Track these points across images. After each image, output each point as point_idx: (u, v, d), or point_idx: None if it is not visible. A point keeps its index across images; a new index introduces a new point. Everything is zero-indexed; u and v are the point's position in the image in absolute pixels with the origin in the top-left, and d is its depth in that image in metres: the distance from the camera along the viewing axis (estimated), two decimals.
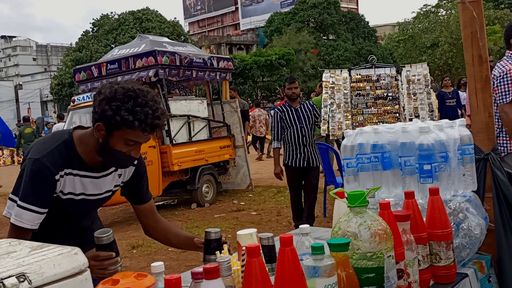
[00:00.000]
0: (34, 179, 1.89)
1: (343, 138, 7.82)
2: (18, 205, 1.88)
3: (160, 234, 2.24)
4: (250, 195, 9.38)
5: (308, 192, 6.14)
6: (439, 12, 39.27)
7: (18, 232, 1.87)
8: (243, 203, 8.70)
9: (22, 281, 0.95)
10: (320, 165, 6.26)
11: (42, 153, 1.92)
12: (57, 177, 1.93)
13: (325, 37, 50.17)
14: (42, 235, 1.92)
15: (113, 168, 2.09)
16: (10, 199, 1.93)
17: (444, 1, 37.30)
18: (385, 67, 7.01)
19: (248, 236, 1.56)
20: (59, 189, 1.95)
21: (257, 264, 1.25)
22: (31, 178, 1.89)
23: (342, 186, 6.64)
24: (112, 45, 41.42)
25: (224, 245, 1.80)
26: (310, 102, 6.36)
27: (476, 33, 2.09)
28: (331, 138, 7.72)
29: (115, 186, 2.15)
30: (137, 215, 2.27)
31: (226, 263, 1.36)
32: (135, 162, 2.15)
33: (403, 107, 6.81)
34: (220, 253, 1.68)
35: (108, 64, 8.59)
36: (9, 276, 0.95)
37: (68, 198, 1.99)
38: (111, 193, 2.16)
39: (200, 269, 1.24)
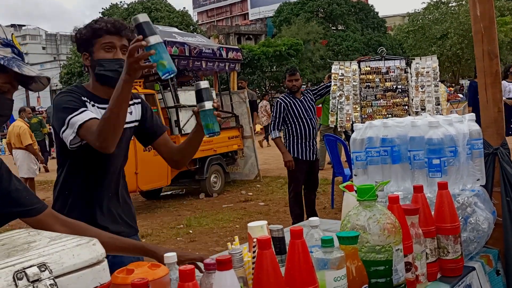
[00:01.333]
0: (69, 101, 2.09)
1: (352, 130, 7.71)
2: (72, 118, 2.04)
3: (179, 152, 2.37)
4: (258, 186, 9.43)
5: (313, 187, 6.08)
6: (450, 3, 38.93)
7: (89, 123, 2.02)
8: (251, 194, 8.75)
9: (43, 271, 0.99)
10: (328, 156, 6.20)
11: (65, 91, 2.18)
12: (84, 98, 2.15)
13: (334, 28, 49.90)
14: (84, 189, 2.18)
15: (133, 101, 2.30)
16: (62, 132, 2.07)
17: None
18: (394, 60, 6.99)
19: (258, 228, 1.58)
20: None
21: (268, 256, 1.27)
22: (67, 101, 2.09)
23: (350, 177, 6.63)
24: None
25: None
26: (306, 89, 6.24)
27: (487, 28, 2.09)
28: (339, 129, 7.71)
29: (128, 122, 2.22)
30: (160, 151, 2.40)
31: (238, 255, 1.39)
32: (139, 100, 2.36)
33: (412, 100, 6.80)
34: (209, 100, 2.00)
35: None
36: (31, 266, 0.98)
37: None
38: (128, 129, 2.26)
39: (212, 260, 1.27)
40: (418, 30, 39.79)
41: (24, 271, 0.96)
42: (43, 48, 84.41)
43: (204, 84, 2.05)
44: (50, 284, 0.98)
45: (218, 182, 9.10)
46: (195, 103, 2.08)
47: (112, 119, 1.94)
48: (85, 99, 2.16)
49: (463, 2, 35.17)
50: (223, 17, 71.04)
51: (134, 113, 2.32)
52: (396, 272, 1.52)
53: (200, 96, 2.04)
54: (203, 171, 8.68)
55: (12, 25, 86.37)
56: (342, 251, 1.40)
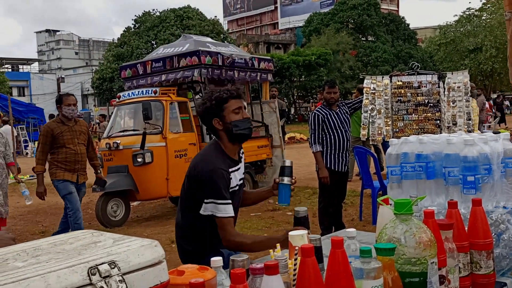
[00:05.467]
0: (222, 181, 2.49)
1: (383, 143, 7.75)
2: (219, 203, 2.47)
3: (243, 201, 2.89)
4: None
5: (341, 198, 6.14)
6: (482, 16, 38.43)
7: (227, 221, 2.48)
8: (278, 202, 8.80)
9: (113, 268, 1.09)
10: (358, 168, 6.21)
11: (214, 162, 2.54)
12: (230, 175, 2.56)
13: (364, 39, 49.77)
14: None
15: (240, 164, 2.71)
16: (205, 202, 2.50)
17: (489, 5, 36.45)
18: (426, 74, 7.00)
19: (299, 236, 1.67)
20: (230, 185, 2.56)
21: (310, 263, 1.35)
22: (220, 182, 2.48)
23: (379, 190, 6.65)
24: (152, 42, 42.17)
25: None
26: (341, 101, 6.25)
27: None
28: (371, 143, 7.74)
29: (241, 179, 2.71)
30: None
31: (284, 261, 1.48)
32: (242, 158, 2.80)
33: (444, 114, 6.80)
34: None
35: (153, 63, 8.83)
36: (102, 263, 1.09)
37: (231, 191, 2.58)
38: (242, 182, 2.73)
39: (258, 265, 1.36)
40: (449, 43, 39.38)
41: (97, 268, 1.07)
42: (76, 53, 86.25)
43: (288, 163, 2.63)
44: (119, 280, 1.08)
45: (247, 189, 9.18)
46: None
47: (248, 251, 2.48)
48: (230, 174, 2.56)
49: (496, 15, 34.67)
50: (253, 26, 71.53)
51: (241, 169, 2.74)
52: (430, 284, 1.58)
53: (283, 171, 2.60)
54: None
55: (47, 30, 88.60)
56: (379, 262, 1.47)
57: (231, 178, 2.56)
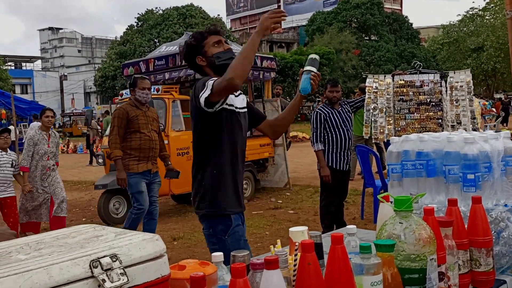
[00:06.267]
0: (207, 79, 2.50)
1: (385, 142, 7.74)
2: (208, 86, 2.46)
3: (281, 121, 3.00)
4: (288, 194, 9.50)
5: (343, 197, 6.14)
6: (485, 16, 38.39)
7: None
8: (280, 201, 8.83)
9: (115, 261, 1.11)
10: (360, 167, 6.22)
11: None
12: None
13: (367, 38, 49.71)
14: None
15: (239, 92, 2.73)
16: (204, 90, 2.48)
17: (492, 5, 36.40)
18: (429, 73, 7.00)
19: (300, 233, 1.68)
20: (231, 102, 2.62)
21: (310, 259, 1.37)
22: (205, 79, 2.51)
23: (381, 189, 6.65)
24: (155, 40, 42.20)
25: None
26: (343, 100, 6.28)
27: None
28: (373, 141, 7.74)
29: (242, 108, 2.75)
30: (264, 130, 3.00)
31: (284, 256, 1.49)
32: (241, 92, 2.81)
33: (446, 113, 6.81)
34: None
35: (156, 60, 8.85)
36: (104, 256, 1.10)
37: (229, 109, 2.63)
38: (245, 111, 2.78)
39: (258, 260, 1.37)
40: (452, 43, 39.35)
41: (99, 261, 1.09)
42: (79, 51, 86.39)
43: (314, 56, 2.70)
44: (120, 273, 1.10)
45: (248, 188, 9.20)
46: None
47: (243, 56, 2.40)
48: None
49: (500, 15, 34.62)
50: (256, 25, 71.13)
51: (243, 101, 2.78)
52: (429, 280, 1.59)
53: (308, 62, 2.65)
54: None
55: (50, 28, 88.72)
56: (379, 258, 1.48)
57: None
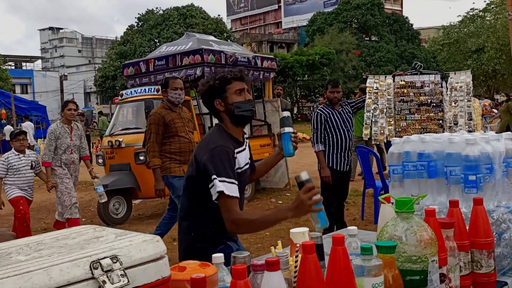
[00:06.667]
0: (227, 159, 2.43)
1: (385, 143, 7.71)
2: (226, 181, 2.36)
3: (256, 173, 2.91)
4: (288, 194, 9.49)
5: (343, 198, 6.13)
6: (486, 16, 38.38)
7: (232, 202, 2.37)
8: (280, 202, 8.82)
9: (115, 262, 1.10)
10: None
11: (219, 141, 2.49)
12: (235, 155, 2.49)
13: (368, 38, 49.73)
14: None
15: (245, 145, 2.65)
16: (210, 181, 2.39)
17: (492, 6, 36.40)
18: (429, 74, 7.00)
19: (301, 234, 1.68)
20: (237, 166, 2.50)
21: (311, 261, 1.36)
22: (225, 160, 2.42)
23: (381, 189, 6.64)
24: (155, 40, 42.20)
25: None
26: (344, 101, 6.26)
27: None
28: (373, 142, 7.74)
29: (247, 163, 2.65)
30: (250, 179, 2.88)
31: (285, 257, 1.49)
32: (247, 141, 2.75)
33: (446, 114, 6.81)
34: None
35: (156, 61, 8.85)
36: (105, 257, 1.10)
37: (238, 173, 2.52)
38: (248, 166, 2.66)
39: (259, 261, 1.36)
40: (452, 43, 39.33)
41: (99, 262, 1.08)
42: (79, 51, 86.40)
43: (286, 113, 2.62)
44: (121, 275, 1.09)
45: (248, 189, 9.18)
46: None
47: (256, 229, 2.46)
48: (235, 153, 2.50)
49: (500, 16, 34.62)
50: (256, 25, 71.53)
51: (247, 152, 2.69)
52: (431, 282, 1.59)
53: (283, 122, 2.58)
54: None
55: (50, 28, 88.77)
56: (380, 260, 1.48)
57: (236, 158, 2.50)
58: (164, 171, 5.30)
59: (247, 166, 2.63)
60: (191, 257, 2.03)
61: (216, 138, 2.52)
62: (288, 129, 2.56)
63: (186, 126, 5.43)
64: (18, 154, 6.37)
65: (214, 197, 2.38)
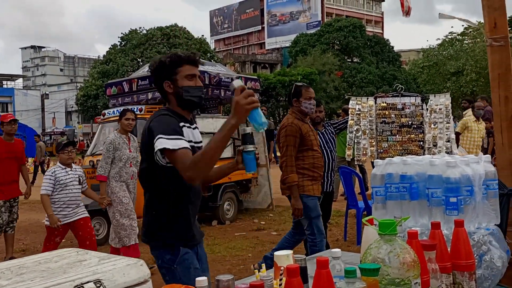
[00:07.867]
0: (171, 123, 2.44)
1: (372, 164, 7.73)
2: (170, 138, 2.34)
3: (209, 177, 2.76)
4: (271, 215, 9.47)
5: (326, 218, 6.12)
6: (464, 40, 39.18)
7: (180, 153, 2.33)
8: (263, 223, 8.79)
9: (99, 287, 1.09)
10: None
11: (164, 114, 2.51)
12: (180, 124, 2.48)
13: (350, 60, 50.34)
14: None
15: (194, 125, 2.64)
16: (155, 142, 2.37)
17: (470, 30, 37.22)
18: (410, 96, 7.12)
19: (285, 256, 1.67)
20: (185, 137, 2.45)
21: (296, 284, 1.37)
22: (168, 123, 2.43)
23: (364, 210, 6.66)
24: (138, 59, 42.15)
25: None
26: (326, 122, 6.26)
27: (503, 75, 2.20)
28: (356, 163, 7.79)
29: (198, 142, 2.63)
30: None
31: (269, 281, 1.48)
32: (196, 126, 2.72)
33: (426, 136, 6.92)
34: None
35: (139, 80, 8.84)
36: (88, 282, 1.09)
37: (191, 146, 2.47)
38: (202, 145, 2.63)
39: (243, 285, 1.36)
40: (432, 66, 40.00)
41: (83, 286, 1.07)
42: (61, 69, 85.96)
43: (248, 130, 2.45)
44: None
45: (231, 209, 9.16)
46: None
47: (211, 157, 2.27)
48: (181, 124, 2.49)
49: (478, 40, 35.39)
50: (239, 46, 72.01)
51: (199, 134, 2.68)
52: None
53: (245, 139, 2.44)
54: (216, 198, 8.75)
55: (32, 47, 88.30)
56: (364, 282, 1.48)
57: (182, 128, 2.47)
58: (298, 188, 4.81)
59: (200, 144, 2.61)
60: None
61: (160, 114, 2.53)
62: (251, 147, 2.45)
63: (316, 140, 4.97)
64: (65, 168, 5.65)
65: (159, 157, 2.39)
